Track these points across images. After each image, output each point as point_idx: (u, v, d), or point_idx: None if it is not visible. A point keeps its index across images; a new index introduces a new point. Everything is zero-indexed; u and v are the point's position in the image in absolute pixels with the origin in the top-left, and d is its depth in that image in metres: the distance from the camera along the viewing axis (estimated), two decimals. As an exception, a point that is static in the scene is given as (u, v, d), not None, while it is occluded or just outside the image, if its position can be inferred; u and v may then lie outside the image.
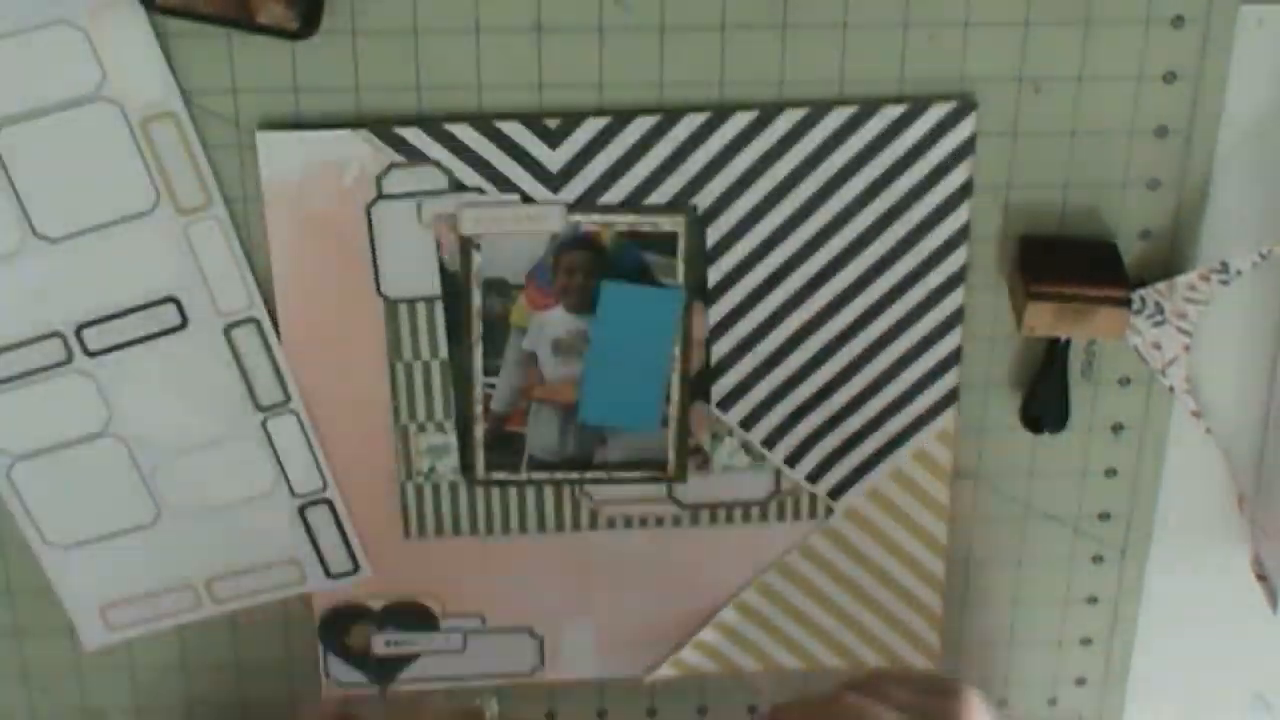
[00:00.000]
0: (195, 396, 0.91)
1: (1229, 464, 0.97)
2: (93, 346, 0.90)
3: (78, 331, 0.89)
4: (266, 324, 0.90)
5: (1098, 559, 1.01)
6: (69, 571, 0.95)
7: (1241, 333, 0.95)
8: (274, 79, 0.85)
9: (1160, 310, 0.89)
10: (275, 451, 0.93)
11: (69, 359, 0.90)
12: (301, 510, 0.95)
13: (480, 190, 0.89)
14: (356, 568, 0.97)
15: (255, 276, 0.89)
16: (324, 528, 0.95)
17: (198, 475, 0.93)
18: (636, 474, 0.96)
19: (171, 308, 0.89)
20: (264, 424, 0.93)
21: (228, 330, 0.90)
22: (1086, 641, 1.03)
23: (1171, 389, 0.92)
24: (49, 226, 0.87)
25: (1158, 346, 0.91)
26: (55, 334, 0.89)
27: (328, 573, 0.97)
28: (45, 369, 0.90)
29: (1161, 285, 0.89)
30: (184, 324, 0.90)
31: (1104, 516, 0.99)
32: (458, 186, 0.88)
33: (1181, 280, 0.89)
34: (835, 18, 0.86)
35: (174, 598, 0.96)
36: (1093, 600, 1.02)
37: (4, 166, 0.85)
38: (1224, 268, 0.88)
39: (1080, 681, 1.04)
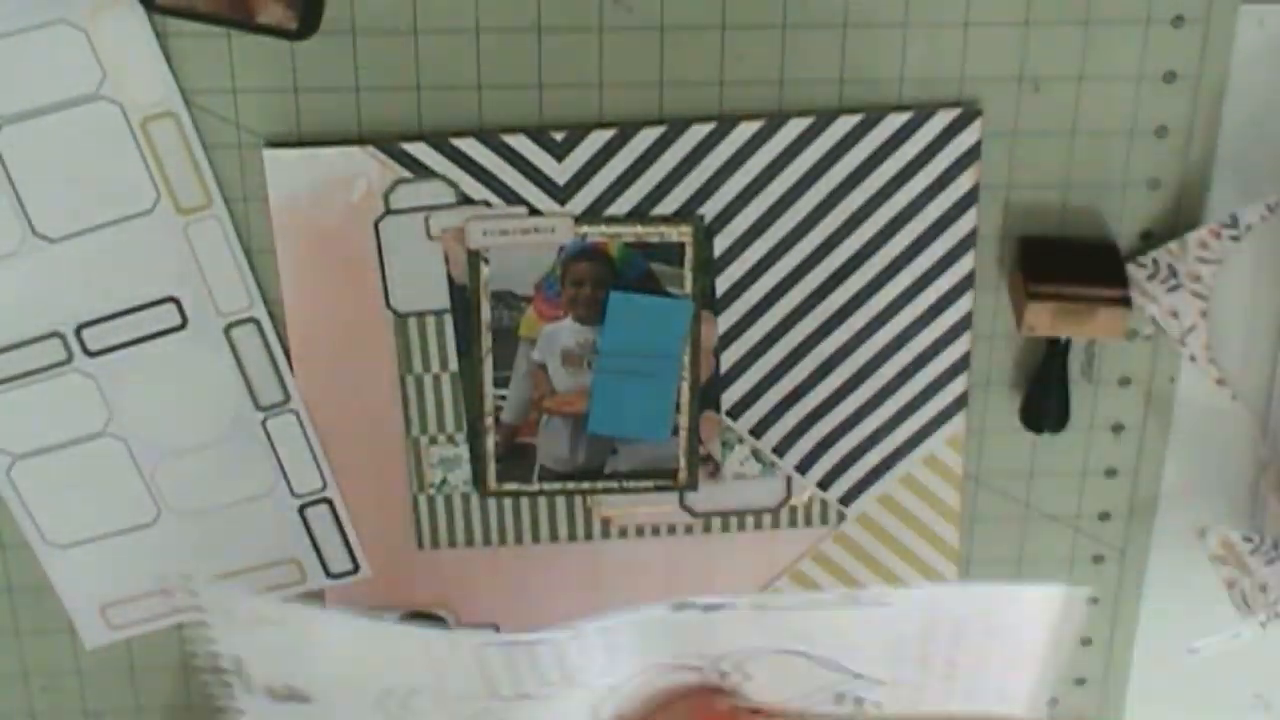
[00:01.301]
0: (195, 396, 0.91)
1: (1255, 431, 0.95)
2: (93, 346, 0.90)
3: (78, 331, 0.89)
4: (266, 324, 0.90)
5: (1098, 559, 1.00)
6: (69, 571, 0.95)
7: (1248, 303, 0.93)
8: (274, 79, 0.85)
9: (1174, 274, 0.89)
10: (275, 451, 0.93)
11: (69, 359, 0.90)
12: (301, 510, 0.95)
13: (487, 203, 0.89)
14: (356, 567, 0.97)
15: (255, 276, 0.89)
16: (324, 527, 0.95)
17: (198, 475, 0.93)
18: (648, 483, 0.96)
19: (171, 308, 0.89)
20: (264, 424, 0.92)
21: (228, 330, 0.90)
22: (1086, 641, 1.03)
23: (1193, 358, 0.91)
24: (49, 226, 0.87)
25: (1175, 314, 0.90)
26: (55, 334, 0.89)
27: (328, 573, 0.97)
28: (45, 369, 0.90)
29: (1173, 245, 0.88)
30: (184, 324, 0.90)
31: (1104, 516, 0.99)
32: (464, 200, 0.88)
33: (1193, 238, 0.88)
34: (835, 17, 0.86)
35: (174, 598, 0.96)
36: (1093, 600, 1.01)
37: (4, 166, 0.85)
38: (1233, 221, 0.87)
39: (1080, 681, 1.04)
